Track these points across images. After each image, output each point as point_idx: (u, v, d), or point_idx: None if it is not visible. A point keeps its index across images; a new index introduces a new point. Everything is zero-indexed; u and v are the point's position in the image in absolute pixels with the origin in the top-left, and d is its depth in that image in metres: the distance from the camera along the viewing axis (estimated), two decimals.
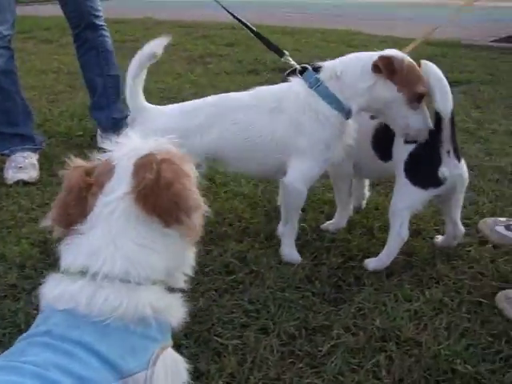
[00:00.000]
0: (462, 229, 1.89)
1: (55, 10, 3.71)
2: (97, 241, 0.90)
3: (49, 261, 1.91)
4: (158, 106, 1.92)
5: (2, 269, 1.87)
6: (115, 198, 0.91)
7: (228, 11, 2.20)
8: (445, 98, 1.69)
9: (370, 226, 2.09)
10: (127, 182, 0.92)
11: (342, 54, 1.85)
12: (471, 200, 2.24)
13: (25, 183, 2.60)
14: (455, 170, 1.75)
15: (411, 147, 1.76)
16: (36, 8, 10.31)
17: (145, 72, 1.88)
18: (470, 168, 2.56)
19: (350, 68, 1.76)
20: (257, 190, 2.41)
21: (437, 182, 1.74)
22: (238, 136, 1.82)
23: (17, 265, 1.89)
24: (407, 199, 1.78)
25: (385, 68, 1.68)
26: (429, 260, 1.87)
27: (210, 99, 1.90)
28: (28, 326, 0.95)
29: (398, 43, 3.91)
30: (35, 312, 1.60)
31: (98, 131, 3.13)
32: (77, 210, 0.93)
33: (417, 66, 1.72)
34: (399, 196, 1.81)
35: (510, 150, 2.83)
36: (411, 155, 1.76)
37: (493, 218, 2.04)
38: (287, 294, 1.68)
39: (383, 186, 2.44)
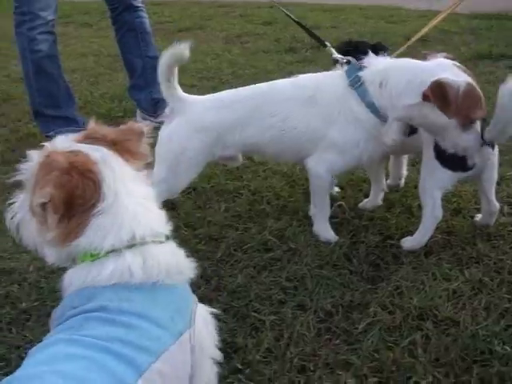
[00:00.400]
0: (496, 205, 1.85)
1: None
2: (125, 214, 0.94)
3: None
4: (197, 97, 1.91)
5: None
6: (119, 170, 0.96)
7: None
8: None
9: (409, 204, 2.07)
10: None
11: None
12: None
13: None
14: (486, 157, 1.71)
15: None
16: None
17: (176, 69, 1.83)
18: None
19: (394, 79, 1.69)
20: (295, 168, 2.41)
21: (466, 167, 1.71)
22: (275, 129, 1.82)
23: None
24: (436, 179, 1.75)
25: (437, 99, 1.55)
26: (469, 239, 1.84)
27: (249, 91, 1.89)
28: None
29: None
30: None
31: (138, 111, 3.19)
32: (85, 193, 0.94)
33: (475, 87, 1.58)
34: (428, 174, 1.78)
35: None
36: None
37: None
38: (324, 271, 1.70)
39: None
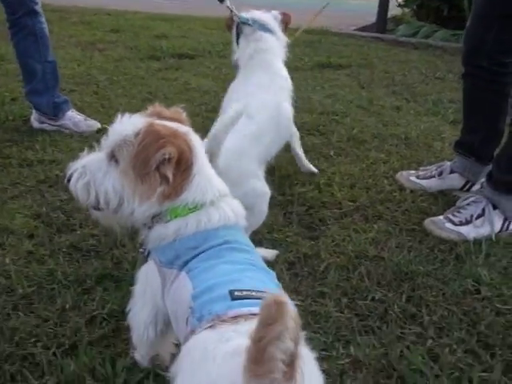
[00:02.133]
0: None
1: None
2: (211, 173, 1.28)
3: (53, 230, 2.14)
4: None
5: (13, 240, 2.06)
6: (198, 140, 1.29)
7: None
8: None
9: (317, 182, 2.60)
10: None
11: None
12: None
13: None
14: None
15: None
16: None
17: None
18: (374, 136, 3.23)
19: None
20: None
21: None
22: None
23: (25, 236, 2.09)
24: None
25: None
26: (368, 204, 2.43)
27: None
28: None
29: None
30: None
31: (34, 115, 3.24)
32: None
33: None
34: None
35: (398, 121, 3.53)
36: None
37: (406, 171, 2.67)
38: (275, 234, 2.13)
39: None
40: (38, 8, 3.02)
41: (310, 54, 5.38)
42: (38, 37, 3.05)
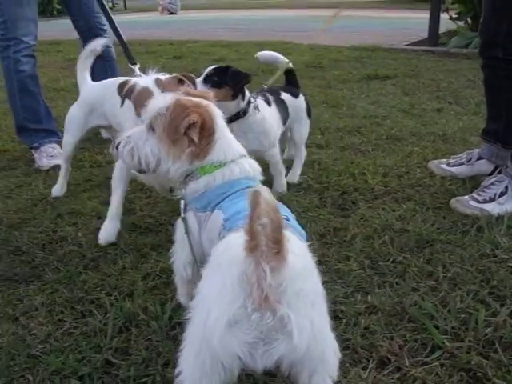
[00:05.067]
0: None
1: None
2: (231, 138, 1.56)
3: None
4: None
5: (84, 220, 2.42)
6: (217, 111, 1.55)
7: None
8: None
9: (352, 171, 2.82)
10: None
11: None
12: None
13: (59, 168, 3.12)
14: None
15: None
16: None
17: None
18: (412, 134, 3.41)
19: None
20: None
21: None
22: None
23: (94, 217, 2.45)
24: None
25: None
26: (398, 188, 2.62)
27: None
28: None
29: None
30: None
31: (103, 131, 3.66)
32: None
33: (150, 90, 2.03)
34: None
35: (438, 121, 3.69)
36: None
37: (437, 160, 2.84)
38: (310, 213, 2.37)
39: None
40: (105, 33, 3.46)
41: (359, 68, 5.63)
42: (104, 59, 3.48)
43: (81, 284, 1.91)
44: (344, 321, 1.65)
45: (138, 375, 1.48)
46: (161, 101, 1.55)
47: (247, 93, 2.42)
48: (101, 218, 2.42)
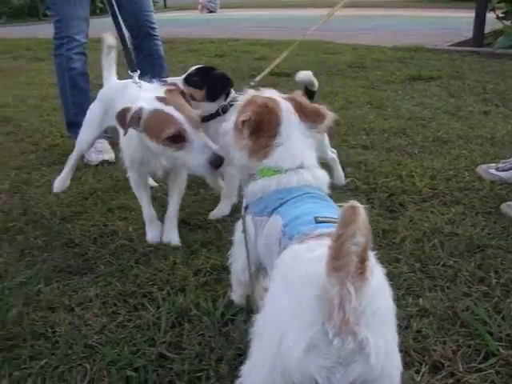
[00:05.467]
0: None
1: None
2: (295, 147, 1.55)
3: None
4: None
5: (134, 215, 2.47)
6: (294, 120, 1.53)
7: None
8: None
9: (399, 173, 2.80)
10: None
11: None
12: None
13: (108, 163, 3.20)
14: None
15: None
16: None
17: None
18: (460, 136, 3.36)
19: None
20: None
21: None
22: None
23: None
24: None
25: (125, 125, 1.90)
26: (446, 191, 2.59)
27: None
28: None
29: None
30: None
31: None
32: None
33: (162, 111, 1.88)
34: None
35: (486, 123, 3.63)
36: None
37: (485, 165, 2.79)
38: None
39: None
40: (154, 31, 3.52)
41: (402, 69, 5.56)
42: (153, 57, 3.54)
43: (133, 278, 1.96)
44: (396, 324, 1.65)
45: (191, 369, 1.51)
46: (243, 96, 1.58)
47: (232, 92, 2.45)
48: None
